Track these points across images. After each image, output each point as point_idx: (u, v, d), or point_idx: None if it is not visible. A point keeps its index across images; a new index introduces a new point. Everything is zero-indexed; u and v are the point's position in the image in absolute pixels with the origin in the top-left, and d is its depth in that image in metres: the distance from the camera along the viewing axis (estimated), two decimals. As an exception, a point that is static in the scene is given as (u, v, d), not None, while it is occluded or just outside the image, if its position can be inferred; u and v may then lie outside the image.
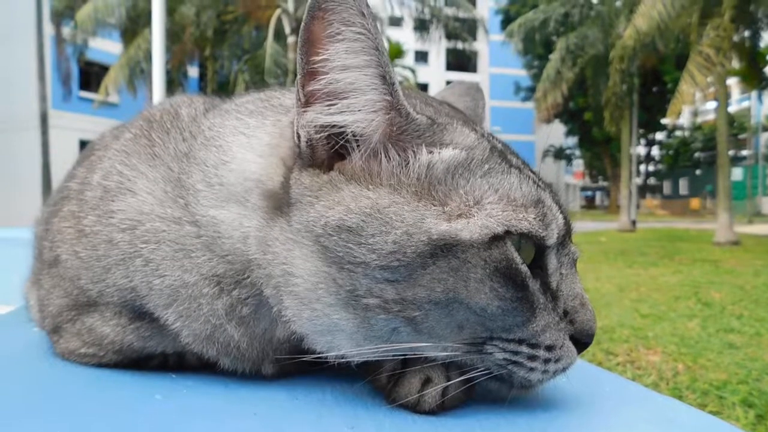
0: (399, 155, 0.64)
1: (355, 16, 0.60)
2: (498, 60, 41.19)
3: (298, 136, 0.65)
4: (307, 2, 0.60)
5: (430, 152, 0.64)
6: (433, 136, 0.65)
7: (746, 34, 13.97)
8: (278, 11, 15.59)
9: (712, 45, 12.20)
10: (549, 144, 40.16)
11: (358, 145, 0.64)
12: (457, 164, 0.64)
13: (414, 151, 0.64)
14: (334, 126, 0.64)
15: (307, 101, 0.64)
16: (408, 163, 0.64)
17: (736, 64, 14.55)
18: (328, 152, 0.65)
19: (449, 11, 19.42)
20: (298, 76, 0.63)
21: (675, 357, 3.89)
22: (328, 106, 0.63)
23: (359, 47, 0.61)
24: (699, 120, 42.01)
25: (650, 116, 31.51)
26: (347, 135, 0.64)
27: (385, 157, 0.64)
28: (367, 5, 0.60)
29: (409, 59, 34.24)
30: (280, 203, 0.65)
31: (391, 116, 0.64)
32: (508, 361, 0.64)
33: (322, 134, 0.64)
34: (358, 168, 0.64)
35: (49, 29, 17.75)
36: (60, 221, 0.81)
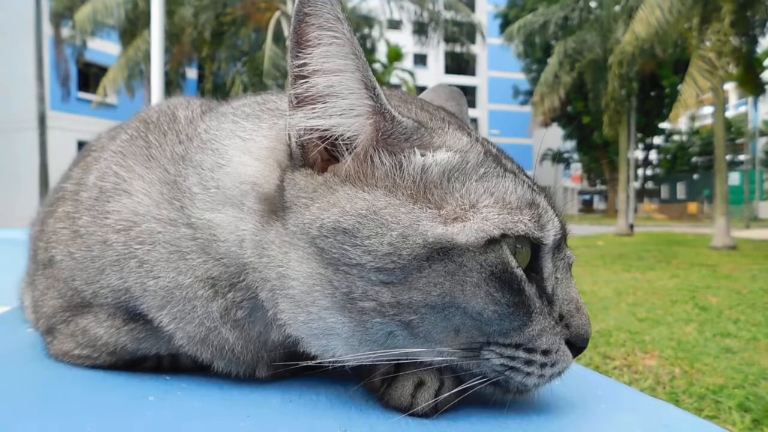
0: (391, 158, 0.64)
1: (331, 21, 0.60)
2: (496, 63, 41.38)
3: (290, 137, 0.65)
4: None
5: (423, 155, 0.64)
6: (422, 139, 0.65)
7: (743, 39, 14.00)
8: (277, 13, 15.61)
9: (713, 49, 12.23)
10: (547, 147, 40.20)
11: (347, 148, 0.65)
12: (452, 167, 0.64)
13: (405, 154, 0.64)
14: (318, 129, 0.64)
15: (296, 103, 0.64)
16: (402, 166, 0.64)
17: (733, 69, 14.57)
18: (320, 154, 0.65)
19: (448, 15, 19.48)
20: (289, 78, 0.64)
21: (672, 361, 3.89)
22: (311, 109, 0.64)
23: (335, 51, 0.61)
24: (697, 125, 42.08)
25: (648, 120, 31.58)
26: (335, 138, 0.64)
27: (378, 159, 0.64)
28: (343, 10, 0.60)
29: (408, 62, 34.30)
30: (275, 206, 0.65)
31: (375, 120, 0.64)
32: (506, 366, 0.64)
33: (311, 136, 0.65)
34: (352, 170, 0.64)
35: (47, 30, 17.71)
36: (55, 222, 0.80)
